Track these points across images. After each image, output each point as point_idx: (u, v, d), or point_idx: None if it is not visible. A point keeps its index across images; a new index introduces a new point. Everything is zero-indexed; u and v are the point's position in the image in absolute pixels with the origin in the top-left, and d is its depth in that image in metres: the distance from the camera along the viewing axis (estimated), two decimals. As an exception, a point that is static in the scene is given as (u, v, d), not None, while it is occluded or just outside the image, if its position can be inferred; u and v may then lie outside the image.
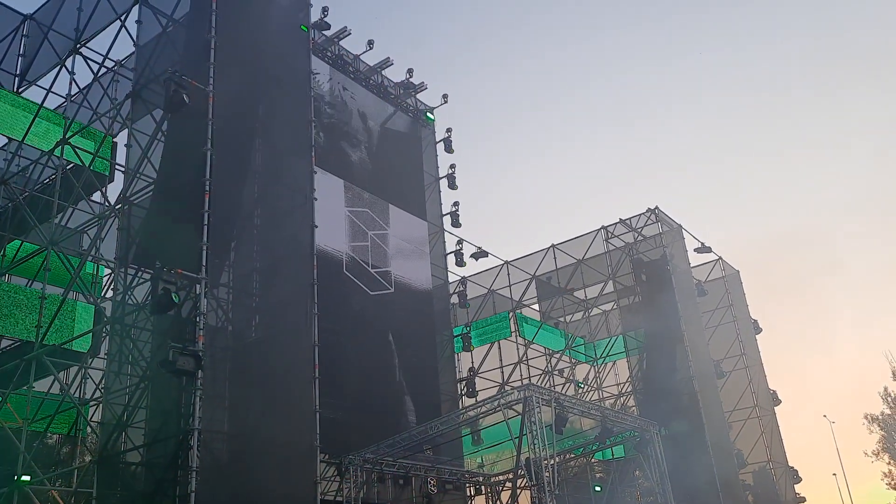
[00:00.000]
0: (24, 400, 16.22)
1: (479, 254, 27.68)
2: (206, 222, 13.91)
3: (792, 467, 28.56)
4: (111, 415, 14.75)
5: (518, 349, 28.99)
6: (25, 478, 15.56)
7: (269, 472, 15.35)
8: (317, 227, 16.91)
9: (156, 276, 12.98)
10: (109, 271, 18.38)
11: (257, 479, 15.26)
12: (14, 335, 17.01)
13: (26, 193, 18.10)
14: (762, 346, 30.79)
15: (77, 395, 17.23)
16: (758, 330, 30.48)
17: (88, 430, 17.86)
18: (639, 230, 26.26)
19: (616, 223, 26.74)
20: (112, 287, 16.49)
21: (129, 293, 15.50)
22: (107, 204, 17.88)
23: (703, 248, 27.79)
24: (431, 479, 23.12)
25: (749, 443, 26.88)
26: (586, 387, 29.46)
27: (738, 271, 31.01)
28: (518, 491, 20.28)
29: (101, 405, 16.78)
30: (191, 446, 12.42)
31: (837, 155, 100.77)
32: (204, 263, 13.70)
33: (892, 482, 48.46)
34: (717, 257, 29.82)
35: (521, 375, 28.13)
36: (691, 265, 27.38)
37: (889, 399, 48.99)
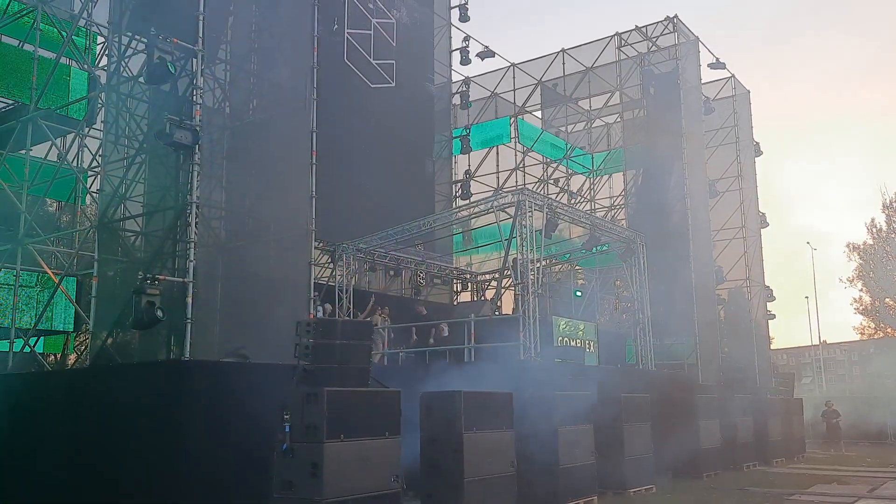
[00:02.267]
0: (23, 163, 16.32)
1: (486, 53, 26.73)
2: (201, -11, 13.24)
3: (768, 286, 29.66)
4: (109, 186, 14.91)
5: (516, 156, 28.91)
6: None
7: (265, 250, 15.87)
8: (318, 4, 16.13)
9: (151, 43, 12.57)
10: (103, 39, 17.73)
11: (253, 257, 15.85)
12: (8, 97, 16.78)
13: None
14: (760, 169, 30.87)
15: (75, 163, 17.30)
16: (758, 152, 30.33)
17: (88, 199, 18.13)
18: (654, 39, 25.20)
19: (631, 30, 25.61)
20: (106, 54, 15.97)
21: (125, 63, 15.09)
22: (98, -37, 16.83)
23: (717, 64, 26.82)
24: (421, 273, 24.07)
25: (731, 261, 27.67)
26: (580, 198, 29.74)
27: (748, 91, 30.27)
28: (502, 290, 21.06)
29: (98, 176, 16.93)
30: (189, 223, 12.65)
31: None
32: (200, 35, 13.21)
33: (860, 307, 51.18)
34: (729, 75, 28.96)
35: (517, 182, 28.26)
36: (702, 81, 26.60)
37: (874, 230, 50.34)
